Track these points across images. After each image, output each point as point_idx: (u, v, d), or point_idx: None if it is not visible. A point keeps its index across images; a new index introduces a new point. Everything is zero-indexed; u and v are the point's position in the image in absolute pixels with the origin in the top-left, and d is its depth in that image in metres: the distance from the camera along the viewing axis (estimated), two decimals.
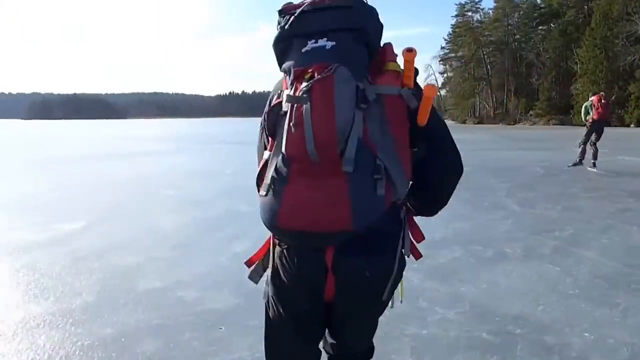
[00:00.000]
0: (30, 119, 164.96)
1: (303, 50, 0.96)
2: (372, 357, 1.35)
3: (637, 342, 2.27)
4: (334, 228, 0.95)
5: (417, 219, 1.25)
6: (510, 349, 2.23)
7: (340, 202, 0.93)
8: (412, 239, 1.18)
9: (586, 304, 2.72)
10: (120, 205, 6.20)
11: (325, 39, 0.96)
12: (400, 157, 1.00)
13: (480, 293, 2.94)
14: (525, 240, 4.12)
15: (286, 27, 0.99)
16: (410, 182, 1.09)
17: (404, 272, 1.17)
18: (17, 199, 6.73)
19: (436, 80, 62.60)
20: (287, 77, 0.99)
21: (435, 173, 1.13)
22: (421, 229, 1.22)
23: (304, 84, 0.92)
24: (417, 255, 1.23)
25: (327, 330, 1.27)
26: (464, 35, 51.28)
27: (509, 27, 48.08)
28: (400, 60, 1.01)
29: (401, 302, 1.30)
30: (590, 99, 8.82)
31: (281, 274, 1.09)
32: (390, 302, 1.21)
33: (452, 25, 55.54)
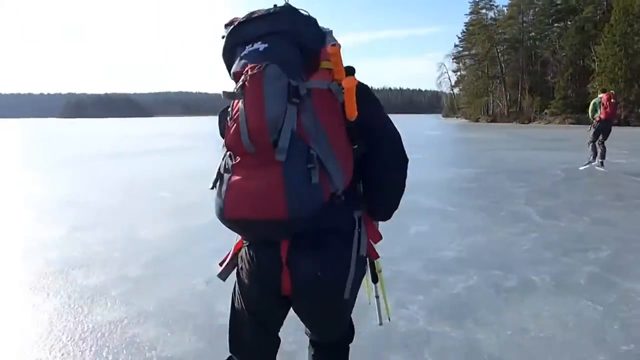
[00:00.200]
0: (65, 117, 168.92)
1: (242, 54, 1.03)
2: (351, 340, 1.34)
3: None
4: (271, 215, 0.96)
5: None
6: None
7: (275, 189, 0.94)
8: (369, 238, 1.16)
9: None
10: (107, 209, 5.65)
11: (259, 42, 1.02)
12: (333, 148, 1.01)
13: (504, 344, 2.22)
14: (553, 264, 3.35)
15: (229, 36, 1.06)
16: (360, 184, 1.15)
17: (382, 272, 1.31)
18: None
19: (449, 78, 61.00)
20: (234, 82, 1.04)
21: (375, 168, 1.12)
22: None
23: (239, 82, 0.99)
24: (374, 256, 1.22)
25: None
26: (478, 33, 49.45)
27: (524, 25, 46.01)
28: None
29: (389, 320, 1.37)
30: (599, 96, 8.46)
31: (243, 269, 1.14)
32: (378, 319, 1.37)
33: (465, 23, 53.82)
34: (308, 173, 0.95)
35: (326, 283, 1.08)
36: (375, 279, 1.35)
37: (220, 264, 1.22)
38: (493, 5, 50.49)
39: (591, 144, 8.46)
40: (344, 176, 1.02)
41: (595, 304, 2.65)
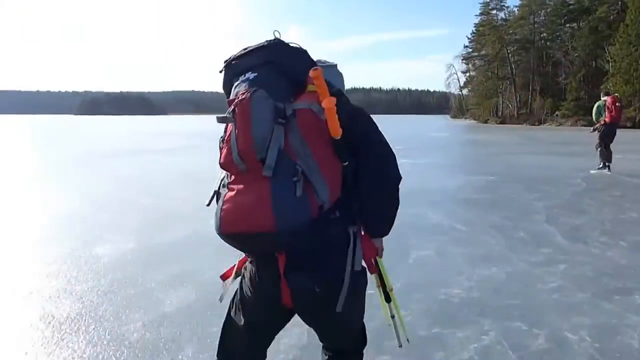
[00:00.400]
0: (82, 114, 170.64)
1: (235, 84, 1.12)
2: (364, 346, 1.33)
3: None
4: (261, 228, 0.98)
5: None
6: None
7: (263, 202, 0.98)
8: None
9: None
10: (74, 219, 4.96)
11: (250, 72, 1.10)
12: (319, 163, 1.04)
13: None
14: (592, 313, 2.56)
15: (225, 70, 1.17)
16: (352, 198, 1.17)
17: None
18: None
19: (458, 79, 59.65)
20: None
21: (366, 186, 1.13)
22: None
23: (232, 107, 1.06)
24: (372, 270, 1.26)
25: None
26: (488, 34, 48.02)
27: (535, 25, 44.49)
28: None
29: (408, 341, 1.42)
30: (603, 99, 8.27)
31: (246, 280, 1.19)
32: (397, 341, 1.44)
33: (475, 24, 52.38)
34: (293, 187, 0.99)
35: (323, 298, 1.10)
36: (388, 299, 1.39)
37: (222, 278, 1.27)
38: (504, 6, 49.03)
39: (599, 149, 8.19)
40: (329, 190, 1.05)
41: None
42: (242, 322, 1.20)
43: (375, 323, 2.11)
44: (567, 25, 41.20)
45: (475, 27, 51.97)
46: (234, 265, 1.25)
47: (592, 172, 8.12)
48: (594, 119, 8.41)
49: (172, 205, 5.80)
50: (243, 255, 1.23)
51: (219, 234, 1.05)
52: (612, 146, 8.34)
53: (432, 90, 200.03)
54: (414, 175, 7.12)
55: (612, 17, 36.52)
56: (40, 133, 29.74)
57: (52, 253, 3.73)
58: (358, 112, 1.17)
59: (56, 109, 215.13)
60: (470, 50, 52.96)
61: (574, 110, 35.64)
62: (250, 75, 1.08)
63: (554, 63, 41.17)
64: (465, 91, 59.42)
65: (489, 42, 47.74)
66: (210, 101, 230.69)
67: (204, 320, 2.47)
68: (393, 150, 1.17)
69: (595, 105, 8.38)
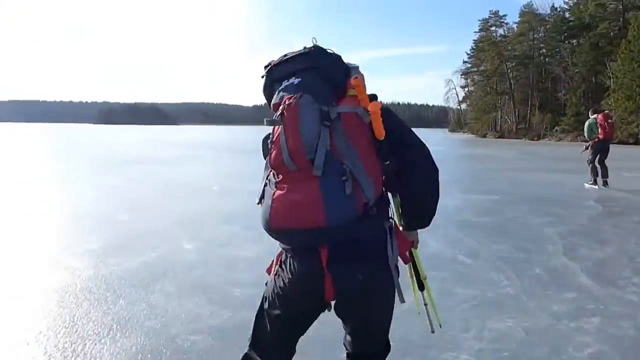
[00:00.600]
0: (99, 123, 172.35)
1: (279, 89, 1.15)
2: (388, 352, 1.33)
3: None
4: (312, 224, 1.03)
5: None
6: None
7: (315, 200, 1.02)
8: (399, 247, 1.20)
9: None
10: (30, 239, 4.22)
11: (294, 77, 1.14)
12: (364, 163, 1.07)
13: None
14: None
15: (269, 76, 1.19)
16: (394, 197, 1.25)
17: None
18: None
19: (457, 94, 58.97)
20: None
21: (411, 183, 1.17)
22: (421, 329, 1.39)
23: (279, 111, 1.09)
24: (406, 260, 1.27)
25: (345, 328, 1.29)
26: (487, 50, 47.41)
27: (535, 42, 43.85)
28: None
29: (440, 326, 1.43)
30: (592, 116, 8.18)
31: (283, 274, 1.18)
32: (430, 327, 1.42)
33: (474, 40, 51.79)
34: (342, 185, 1.03)
35: (366, 287, 1.12)
36: (421, 287, 1.44)
37: (268, 272, 1.32)
38: (503, 22, 48.49)
39: (591, 164, 8.08)
40: (374, 188, 1.09)
41: None
42: (278, 315, 1.21)
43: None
44: (567, 41, 40.43)
45: (474, 43, 51.43)
46: (273, 261, 1.28)
47: (586, 185, 8.07)
48: (586, 137, 8.34)
49: (141, 223, 5.07)
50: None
51: (267, 230, 1.11)
52: (617, 163, 8.16)
53: (430, 104, 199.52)
54: None
55: (612, 33, 35.77)
56: (57, 140, 29.35)
57: None
58: (392, 115, 1.20)
59: (77, 117, 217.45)
60: (469, 65, 52.34)
61: (574, 125, 34.68)
62: (295, 80, 1.11)
63: (553, 78, 40.35)
64: (463, 106, 58.70)
65: (488, 58, 47.10)
66: (217, 112, 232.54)
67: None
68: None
69: (587, 124, 8.27)
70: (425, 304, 1.46)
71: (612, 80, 31.29)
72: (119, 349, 2.22)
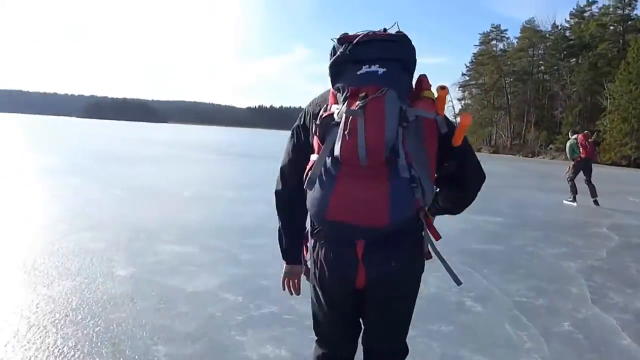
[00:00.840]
0: (84, 117, 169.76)
1: (358, 73, 1.05)
2: (407, 354, 1.32)
3: None
4: (372, 223, 1.04)
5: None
6: None
7: (382, 201, 1.02)
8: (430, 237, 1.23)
9: None
10: None
11: (377, 65, 1.05)
12: (430, 170, 1.11)
13: None
14: None
15: (345, 53, 1.07)
16: (438, 190, 1.26)
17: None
18: None
19: (453, 107, 58.93)
20: (339, 94, 1.07)
21: (468, 181, 1.23)
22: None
23: (359, 101, 1.01)
24: (428, 256, 1.25)
25: (362, 326, 1.30)
26: (487, 63, 47.40)
27: (534, 58, 43.95)
28: (434, 90, 1.12)
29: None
30: (572, 137, 8.54)
31: (320, 264, 1.18)
32: (456, 282, 1.29)
33: (474, 53, 51.81)
34: (410, 190, 1.03)
35: (397, 271, 1.15)
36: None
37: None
38: (504, 37, 48.61)
39: (571, 182, 8.36)
40: (433, 194, 1.15)
41: None
42: (324, 303, 1.24)
43: None
44: (566, 60, 40.56)
45: (474, 56, 51.42)
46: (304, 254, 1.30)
47: (564, 202, 8.37)
48: (569, 157, 8.65)
49: (86, 240, 4.25)
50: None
51: (318, 219, 1.09)
52: (618, 187, 7.86)
53: None
54: None
55: (611, 55, 35.93)
56: (33, 132, 28.12)
57: None
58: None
59: (63, 110, 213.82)
60: (468, 78, 52.28)
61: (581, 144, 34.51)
62: (379, 70, 1.05)
63: (551, 96, 40.35)
64: (458, 119, 58.47)
65: (488, 72, 47.09)
66: (210, 112, 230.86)
67: None
68: None
69: (568, 145, 8.56)
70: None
71: (608, 101, 31.27)
72: None
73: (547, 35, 42.81)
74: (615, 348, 2.48)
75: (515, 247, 4.85)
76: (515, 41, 47.06)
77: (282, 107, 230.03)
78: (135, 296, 2.88)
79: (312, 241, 1.21)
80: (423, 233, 1.18)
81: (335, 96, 1.10)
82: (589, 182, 8.24)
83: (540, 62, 43.56)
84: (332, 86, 1.10)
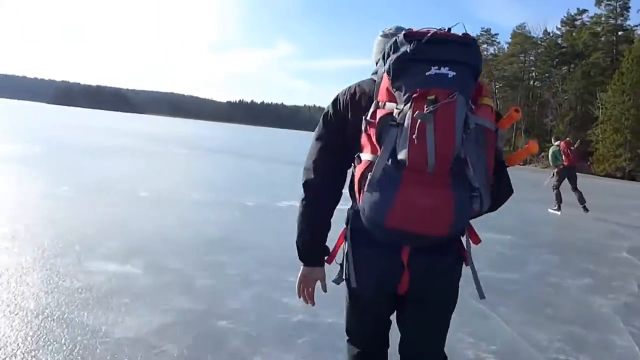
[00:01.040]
0: (54, 104, 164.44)
1: (427, 73, 1.01)
2: None
3: None
4: (432, 231, 1.05)
5: None
6: None
7: (446, 210, 1.02)
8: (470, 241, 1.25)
9: None
10: None
11: (447, 68, 1.01)
12: (488, 180, 1.08)
13: None
14: None
15: (414, 50, 1.03)
16: None
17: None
18: None
19: None
20: (399, 92, 1.03)
21: (499, 194, 1.19)
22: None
23: (429, 105, 0.97)
24: (467, 262, 1.25)
25: (400, 333, 1.30)
26: None
27: (526, 64, 44.36)
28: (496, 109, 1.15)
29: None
30: (555, 144, 8.72)
31: (359, 269, 1.18)
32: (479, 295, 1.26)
33: None
34: (471, 199, 1.03)
35: (440, 276, 1.18)
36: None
37: (328, 262, 1.30)
38: (495, 41, 48.92)
39: (556, 190, 8.38)
40: (489, 203, 1.09)
41: None
42: (361, 305, 1.26)
43: None
44: (558, 67, 40.99)
45: None
46: (335, 248, 1.28)
47: (549, 210, 8.37)
48: (551, 164, 8.76)
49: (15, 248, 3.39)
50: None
51: (376, 224, 1.06)
52: (618, 201, 7.88)
53: None
54: None
55: (605, 64, 36.45)
56: None
57: None
58: None
59: (31, 95, 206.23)
60: None
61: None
62: (449, 72, 1.01)
63: (541, 103, 40.70)
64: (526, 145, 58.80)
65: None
66: (187, 104, 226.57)
67: None
68: None
69: (551, 152, 8.69)
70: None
71: (600, 110, 31.62)
72: None
73: (539, 42, 43.25)
74: None
75: (532, 275, 4.23)
76: (505, 46, 47.44)
77: (263, 102, 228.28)
78: (26, 348, 2.07)
79: (351, 243, 1.20)
80: (463, 238, 1.20)
81: (389, 93, 1.06)
82: (575, 189, 8.36)
83: (532, 68, 43.98)
84: (392, 83, 1.05)
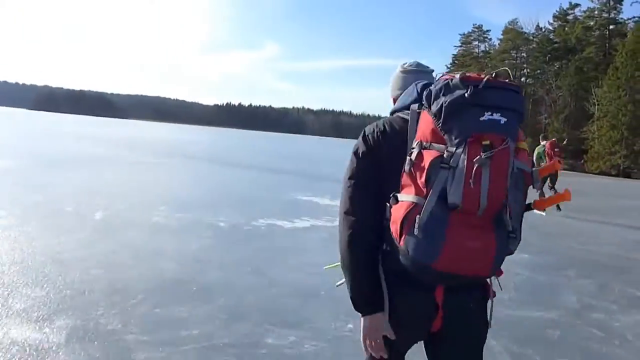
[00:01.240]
0: (36, 109, 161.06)
1: (481, 119, 1.04)
2: None
3: None
4: (480, 273, 1.08)
5: None
6: None
7: (489, 252, 1.05)
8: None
9: None
10: None
11: (499, 114, 1.04)
12: (522, 220, 1.14)
13: None
14: None
15: (471, 95, 1.06)
16: None
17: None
18: None
19: None
20: (449, 135, 1.04)
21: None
22: None
23: (485, 150, 1.00)
24: (493, 295, 1.28)
25: None
26: (469, 65, 47.33)
27: (518, 61, 44.11)
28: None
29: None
30: (542, 143, 8.75)
31: (392, 309, 1.18)
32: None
33: (454, 54, 51.64)
34: (508, 241, 1.07)
35: (474, 312, 1.20)
36: None
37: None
38: (486, 37, 48.68)
39: (539, 191, 8.21)
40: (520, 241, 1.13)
41: None
42: (390, 346, 1.23)
43: None
44: (551, 63, 40.71)
45: (454, 57, 51.22)
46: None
47: (535, 211, 7.95)
48: (535, 164, 8.82)
49: None
50: None
51: (423, 267, 1.06)
52: (623, 202, 7.49)
53: None
54: None
55: (598, 59, 36.20)
56: None
57: None
58: None
59: (10, 101, 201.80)
60: None
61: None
62: (501, 119, 1.04)
63: (535, 100, 40.40)
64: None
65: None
66: (173, 108, 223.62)
67: None
68: None
69: (536, 152, 8.70)
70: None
71: (596, 107, 31.28)
72: None
73: (531, 38, 43.00)
74: None
75: (572, 312, 3.43)
76: (497, 43, 47.17)
77: (251, 105, 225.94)
78: None
79: (385, 284, 1.21)
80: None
81: (436, 134, 1.06)
82: (552, 188, 8.52)
83: (524, 64, 43.72)
84: (442, 125, 1.05)
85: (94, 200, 6.29)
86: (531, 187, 1.12)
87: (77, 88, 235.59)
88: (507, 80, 1.08)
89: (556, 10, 42.76)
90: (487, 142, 0.99)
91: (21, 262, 3.54)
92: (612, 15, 38.48)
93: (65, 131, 29.00)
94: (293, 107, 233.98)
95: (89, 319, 2.65)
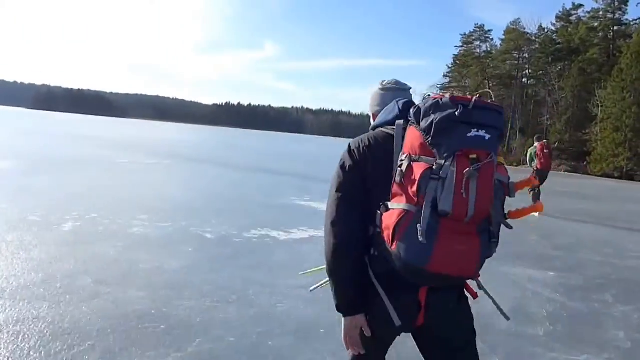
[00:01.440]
0: (35, 108, 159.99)
1: (468, 135, 1.13)
2: None
3: None
4: (466, 273, 1.20)
5: None
6: None
7: (475, 255, 1.16)
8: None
9: None
10: None
11: (484, 131, 1.14)
12: (500, 227, 1.23)
13: None
14: None
15: (461, 114, 1.14)
16: None
17: None
18: None
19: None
20: (437, 150, 1.13)
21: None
22: None
23: (473, 164, 1.11)
24: (475, 295, 1.39)
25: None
26: (471, 65, 46.61)
27: (520, 62, 43.45)
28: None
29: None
30: (534, 144, 8.76)
31: (377, 310, 1.27)
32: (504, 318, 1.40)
33: (455, 55, 50.90)
34: (489, 244, 1.18)
35: (454, 312, 1.31)
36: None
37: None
38: (488, 37, 47.98)
39: (532, 193, 8.35)
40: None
41: None
42: (372, 343, 1.32)
43: None
44: (554, 64, 40.06)
45: (455, 57, 50.46)
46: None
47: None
48: (528, 164, 8.92)
49: None
50: None
51: (416, 271, 1.14)
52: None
53: None
54: None
55: (602, 60, 35.56)
56: None
57: None
58: None
59: (9, 100, 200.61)
60: (449, 80, 51.39)
61: (555, 154, 33.94)
62: (485, 135, 1.14)
63: (537, 102, 39.79)
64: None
65: (472, 74, 46.20)
66: (173, 108, 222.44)
67: None
68: None
69: (528, 153, 8.77)
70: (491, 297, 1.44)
71: (600, 108, 30.69)
72: None
73: (534, 38, 42.36)
74: None
75: (626, 355, 2.82)
76: (499, 43, 46.49)
77: (250, 104, 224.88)
78: None
79: (372, 287, 1.28)
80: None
81: (425, 148, 1.15)
82: (532, 191, 8.47)
83: (526, 65, 43.07)
84: (431, 139, 1.14)
85: (68, 207, 5.66)
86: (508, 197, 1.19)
87: (76, 87, 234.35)
88: (490, 101, 1.19)
89: (559, 11, 42.20)
90: (474, 156, 1.11)
91: None
92: (617, 16, 37.86)
93: (57, 130, 28.32)
94: (292, 107, 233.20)
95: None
